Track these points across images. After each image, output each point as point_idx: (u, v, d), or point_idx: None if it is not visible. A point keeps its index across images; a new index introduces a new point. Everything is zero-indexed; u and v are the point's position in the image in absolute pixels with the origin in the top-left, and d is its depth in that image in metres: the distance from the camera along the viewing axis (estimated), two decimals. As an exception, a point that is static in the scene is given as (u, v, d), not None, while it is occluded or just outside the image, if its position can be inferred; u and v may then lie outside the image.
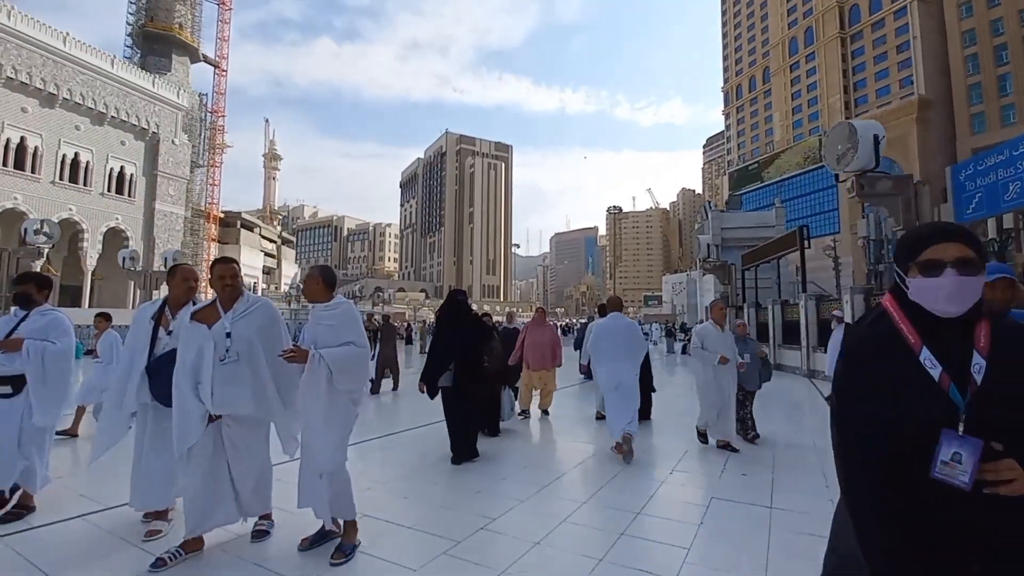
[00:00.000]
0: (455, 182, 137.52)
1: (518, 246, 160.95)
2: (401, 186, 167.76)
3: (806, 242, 12.48)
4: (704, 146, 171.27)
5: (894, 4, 60.22)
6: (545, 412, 7.59)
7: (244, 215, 71.02)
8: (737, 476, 4.44)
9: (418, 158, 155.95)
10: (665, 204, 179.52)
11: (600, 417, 6.87)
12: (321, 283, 3.16)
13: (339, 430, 3.05)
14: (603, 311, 5.93)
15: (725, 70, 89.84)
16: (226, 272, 3.01)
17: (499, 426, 6.36)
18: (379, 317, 12.17)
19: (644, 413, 6.62)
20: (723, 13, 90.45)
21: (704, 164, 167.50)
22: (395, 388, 10.27)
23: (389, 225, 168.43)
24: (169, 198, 51.29)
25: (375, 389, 9.80)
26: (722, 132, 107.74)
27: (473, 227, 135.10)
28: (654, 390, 7.29)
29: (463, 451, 5.03)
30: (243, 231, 67.36)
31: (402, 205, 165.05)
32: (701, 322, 8.79)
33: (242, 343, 2.92)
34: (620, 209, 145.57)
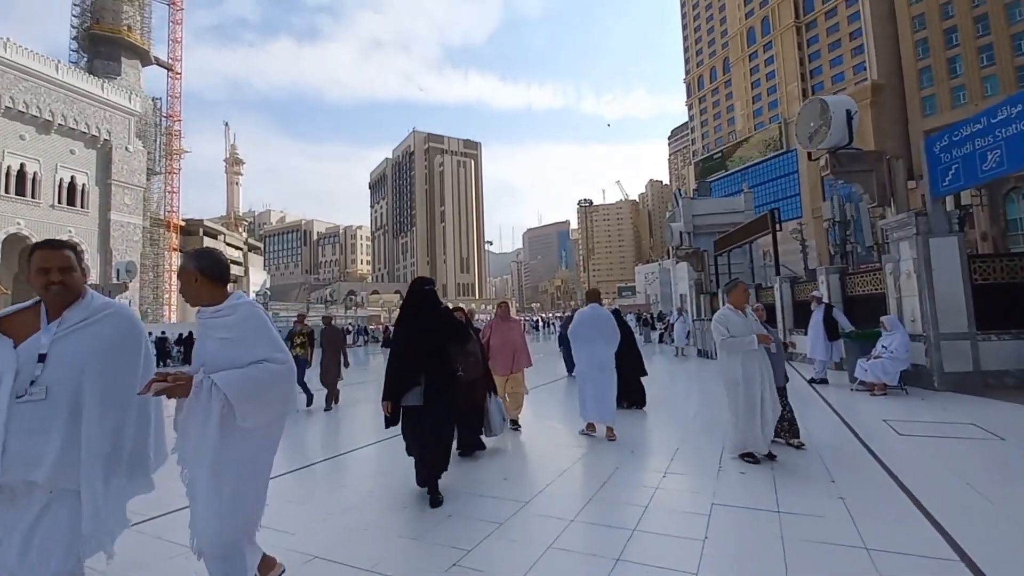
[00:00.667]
0: (425, 181, 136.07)
1: (491, 243, 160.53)
2: (370, 187, 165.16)
3: (777, 225, 12.45)
4: (669, 137, 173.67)
5: (845, -8, 61.97)
6: (515, 424, 6.35)
7: (207, 222, 68.59)
8: (735, 475, 4.17)
9: (386, 158, 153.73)
10: (634, 196, 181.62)
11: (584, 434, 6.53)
12: (200, 278, 2.23)
13: (238, 490, 2.12)
14: (593, 296, 6.32)
15: (686, 61, 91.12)
16: (51, 262, 1.90)
17: (482, 443, 5.32)
18: (322, 320, 9.92)
19: (639, 401, 7.14)
20: (682, 4, 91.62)
21: (670, 155, 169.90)
22: (328, 408, 8.35)
23: (360, 227, 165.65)
24: (125, 208, 49.10)
25: (309, 401, 8.47)
26: (686, 123, 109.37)
27: (445, 226, 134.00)
28: (645, 374, 7.41)
29: (426, 477, 3.89)
30: (206, 239, 65.06)
31: (372, 206, 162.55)
32: (713, 311, 8.77)
33: (62, 371, 1.84)
34: (591, 202, 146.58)
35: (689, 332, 16.49)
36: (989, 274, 7.15)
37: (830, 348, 8.06)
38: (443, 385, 3.92)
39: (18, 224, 40.18)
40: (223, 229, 74.19)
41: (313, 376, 8.62)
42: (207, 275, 2.23)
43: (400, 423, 3.97)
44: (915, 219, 7.02)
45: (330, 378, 8.42)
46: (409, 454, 4.04)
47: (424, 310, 4.07)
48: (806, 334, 11.02)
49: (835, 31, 64.50)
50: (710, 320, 14.47)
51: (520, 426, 6.38)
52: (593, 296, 6.31)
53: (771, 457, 4.53)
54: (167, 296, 54.48)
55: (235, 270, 72.97)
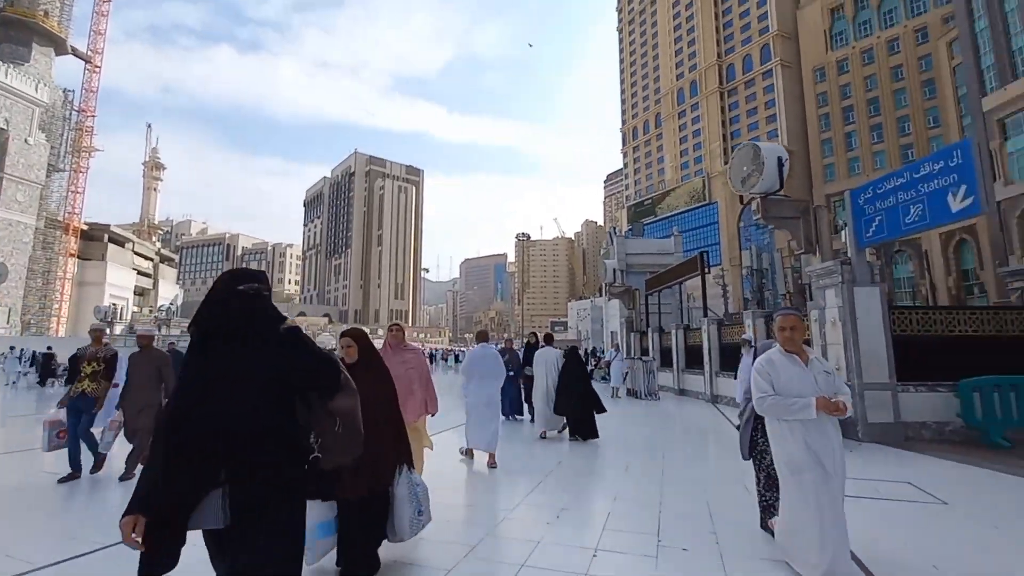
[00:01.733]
0: (364, 203, 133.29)
1: (427, 270, 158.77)
2: (305, 205, 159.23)
3: (706, 268, 13.16)
4: (605, 181, 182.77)
5: (763, 66, 69.20)
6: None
7: (115, 228, 62.69)
8: (677, 552, 3.43)
9: (324, 177, 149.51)
10: (570, 234, 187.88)
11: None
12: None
13: None
14: (481, 337, 7.01)
15: (623, 112, 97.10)
16: None
17: (376, 560, 3.10)
18: (137, 339, 5.99)
19: (592, 434, 7.48)
20: (621, 62, 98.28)
21: (605, 198, 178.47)
22: (127, 475, 5.40)
23: (291, 246, 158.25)
24: (16, 205, 44.05)
25: (98, 464, 5.60)
26: (621, 169, 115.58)
27: (382, 250, 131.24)
28: (603, 410, 7.74)
29: None
30: (111, 246, 59.35)
31: (306, 225, 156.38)
32: (760, 349, 7.58)
33: None
34: (528, 236, 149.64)
35: (627, 372, 15.41)
36: (907, 326, 7.36)
37: None
38: (268, 486, 1.79)
39: None
40: (132, 237, 68.13)
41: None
42: None
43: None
44: (840, 267, 7.19)
45: (138, 427, 5.45)
46: None
47: (238, 331, 1.91)
48: (734, 377, 11.71)
49: (753, 100, 71.52)
50: (640, 359, 14.99)
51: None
52: (481, 337, 6.94)
53: None
54: (57, 307, 48.79)
55: (142, 282, 66.85)
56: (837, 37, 61.99)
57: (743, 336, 7.95)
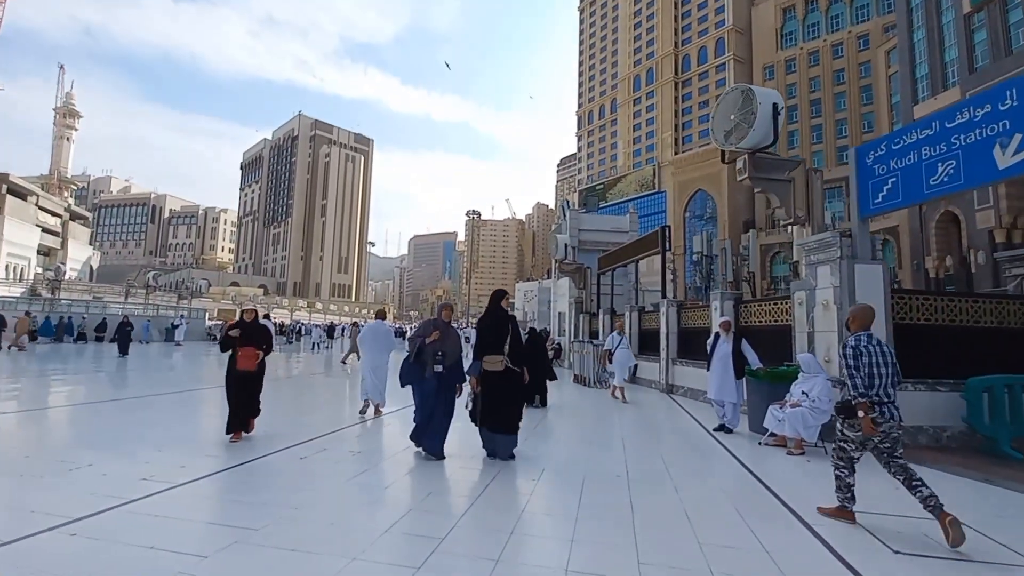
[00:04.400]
0: (307, 170, 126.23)
1: (373, 244, 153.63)
2: (242, 168, 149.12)
3: (667, 244, 12.46)
4: (558, 165, 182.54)
5: (717, 59, 70.34)
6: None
7: (15, 178, 55.52)
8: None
9: (265, 139, 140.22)
10: (522, 216, 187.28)
11: (372, 406, 7.93)
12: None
13: None
14: (380, 315, 8.82)
15: (580, 96, 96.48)
16: None
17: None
18: None
19: (543, 401, 8.71)
20: (580, 43, 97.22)
21: (557, 182, 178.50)
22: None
23: (225, 211, 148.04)
24: None
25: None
26: (575, 153, 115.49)
27: (325, 220, 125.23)
28: (554, 378, 8.90)
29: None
30: (10, 198, 52.65)
31: (242, 189, 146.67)
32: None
33: None
34: (479, 214, 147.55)
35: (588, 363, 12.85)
36: (906, 313, 6.47)
37: (741, 389, 6.80)
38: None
39: None
40: (37, 190, 60.85)
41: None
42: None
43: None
44: (839, 240, 6.14)
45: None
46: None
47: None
48: (688, 365, 10.92)
49: (705, 92, 72.71)
50: (591, 343, 14.07)
51: None
52: (380, 315, 8.74)
53: None
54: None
55: (49, 240, 60.08)
56: (787, 36, 63.70)
57: (721, 318, 7.05)
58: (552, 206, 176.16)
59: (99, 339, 24.82)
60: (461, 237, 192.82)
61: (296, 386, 12.15)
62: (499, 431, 5.10)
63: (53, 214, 62.56)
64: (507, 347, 5.08)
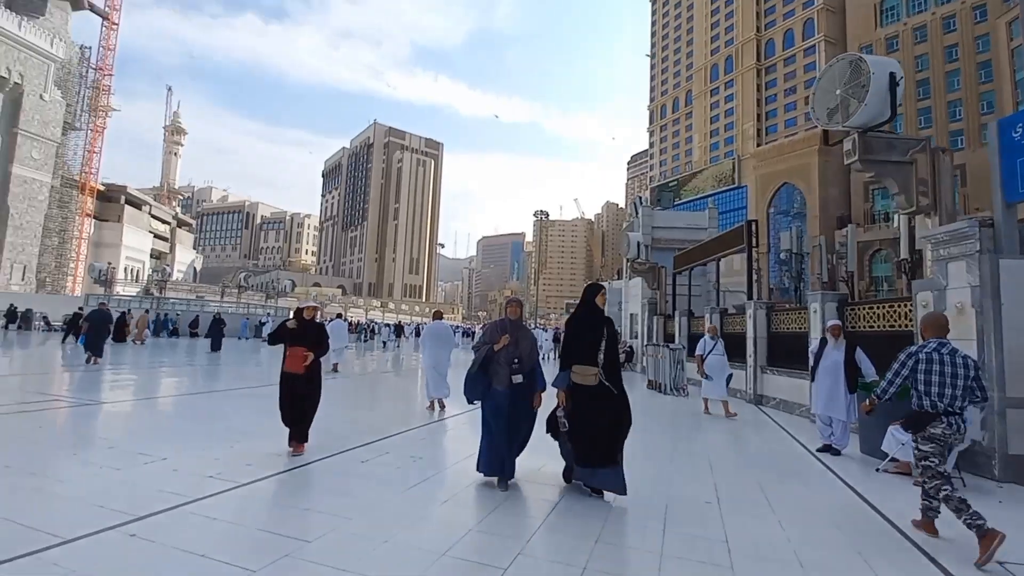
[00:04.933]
0: (381, 176, 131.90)
1: (443, 246, 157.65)
2: (324, 176, 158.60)
3: (754, 240, 11.29)
4: (629, 162, 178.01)
5: (805, 42, 65.19)
6: None
7: (133, 191, 62.41)
8: None
9: (343, 147, 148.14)
10: (590, 215, 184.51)
11: (437, 402, 8.12)
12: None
13: None
14: (437, 315, 8.90)
15: (652, 90, 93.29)
16: None
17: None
18: None
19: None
20: (652, 35, 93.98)
21: (628, 179, 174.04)
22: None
23: (308, 216, 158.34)
24: (32, 162, 43.62)
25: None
26: (646, 150, 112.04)
27: (398, 224, 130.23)
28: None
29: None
30: (128, 208, 59.15)
31: (323, 196, 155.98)
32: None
33: None
34: (547, 214, 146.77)
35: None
36: None
37: (853, 404, 5.76)
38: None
39: None
40: (150, 200, 67.91)
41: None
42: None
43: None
44: (978, 231, 5.13)
45: None
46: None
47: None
48: (780, 374, 9.77)
49: (792, 77, 67.67)
50: (667, 347, 13.10)
51: None
52: (437, 315, 8.89)
53: None
54: (73, 265, 48.72)
55: (159, 246, 66.79)
56: (887, 12, 57.89)
57: (830, 323, 5.93)
58: (622, 205, 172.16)
59: (193, 335, 27.05)
60: (529, 238, 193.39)
61: (364, 384, 12.35)
62: (596, 463, 4.00)
63: (163, 222, 69.64)
64: (601, 356, 4.02)
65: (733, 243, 12.12)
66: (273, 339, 5.30)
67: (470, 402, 4.53)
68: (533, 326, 57.19)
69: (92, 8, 53.68)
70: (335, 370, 14.03)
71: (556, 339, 23.41)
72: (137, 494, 3.74)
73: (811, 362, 6.16)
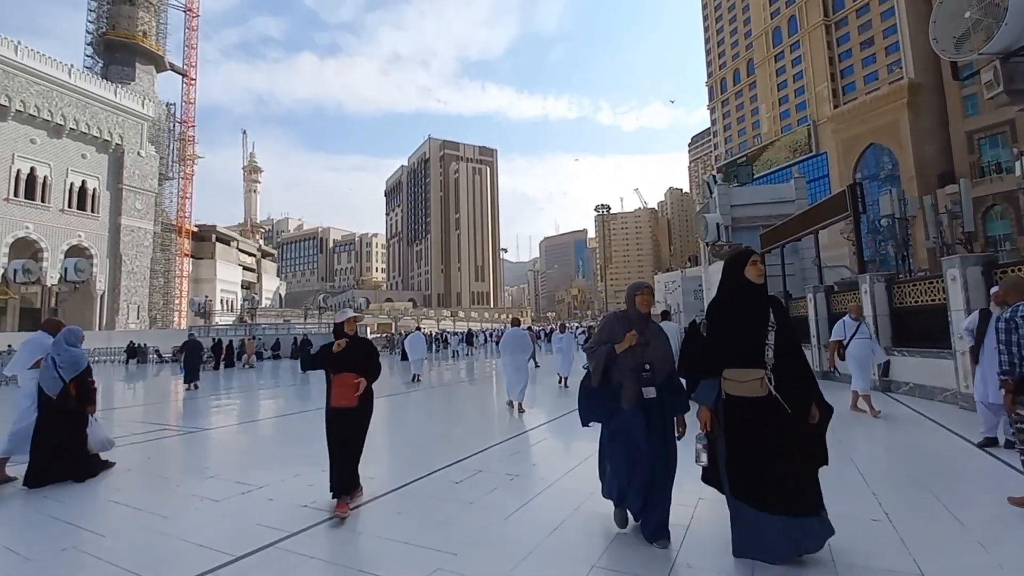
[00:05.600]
0: (440, 188, 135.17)
1: (506, 251, 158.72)
2: (386, 195, 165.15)
3: (860, 205, 9.86)
4: (689, 145, 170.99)
5: (879, -12, 59.27)
6: None
7: (221, 229, 67.98)
8: None
9: (402, 166, 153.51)
10: (653, 204, 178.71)
11: (515, 405, 8.41)
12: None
13: None
14: (514, 323, 9.62)
15: (708, 64, 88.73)
16: None
17: None
18: None
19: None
20: (704, 7, 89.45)
21: (690, 163, 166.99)
22: None
23: (375, 235, 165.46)
24: (136, 212, 48.46)
25: None
26: (708, 129, 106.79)
27: (460, 233, 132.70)
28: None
29: None
30: (219, 245, 64.40)
31: (387, 214, 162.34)
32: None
33: None
34: (608, 208, 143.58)
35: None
36: None
37: None
38: None
39: (27, 228, 39.51)
40: (236, 235, 73.63)
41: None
42: None
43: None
44: None
45: None
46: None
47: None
48: (911, 355, 8.33)
49: (867, 29, 61.68)
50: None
51: None
52: (515, 322, 9.62)
53: None
54: (177, 302, 53.60)
55: (248, 276, 72.13)
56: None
57: (993, 290, 4.82)
58: (687, 190, 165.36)
59: (276, 357, 28.77)
60: (591, 234, 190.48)
61: (444, 395, 12.22)
62: (776, 509, 2.66)
63: (249, 254, 75.24)
64: (770, 354, 2.72)
65: (834, 211, 10.74)
66: (311, 363, 4.22)
67: (585, 424, 3.36)
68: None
69: (173, 68, 58.98)
70: (416, 380, 14.22)
71: None
72: (236, 528, 3.62)
73: (967, 340, 5.09)
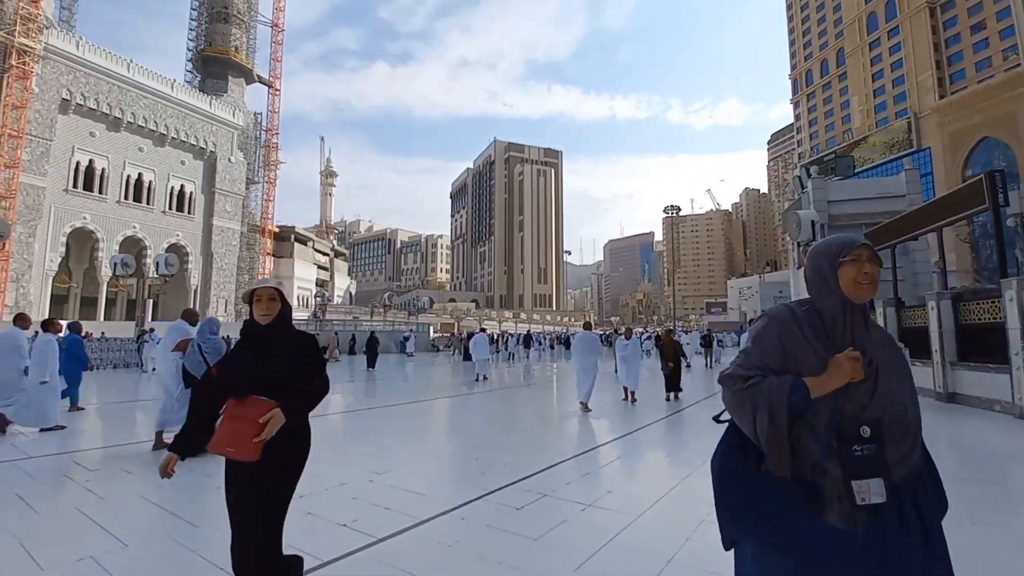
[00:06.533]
0: (504, 190, 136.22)
1: (569, 253, 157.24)
2: (451, 197, 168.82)
3: (999, 196, 8.39)
4: (769, 142, 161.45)
5: (996, -37, 53.04)
6: None
7: (299, 230, 72.09)
8: None
9: (467, 168, 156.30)
10: (727, 205, 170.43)
11: (582, 404, 8.95)
12: None
13: None
14: (586, 327, 10.53)
15: (792, 56, 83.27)
16: None
17: None
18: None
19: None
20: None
21: (769, 161, 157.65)
22: None
23: (441, 236, 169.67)
24: (226, 214, 52.24)
25: None
26: (790, 125, 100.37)
27: (523, 235, 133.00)
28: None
29: None
30: (297, 245, 68.27)
31: (452, 216, 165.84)
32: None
33: None
34: (678, 209, 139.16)
35: None
36: None
37: None
38: None
39: (134, 228, 43.69)
40: (312, 236, 77.77)
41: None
42: None
43: None
44: None
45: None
46: None
47: None
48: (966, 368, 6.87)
49: (978, 11, 55.38)
50: None
51: None
52: (587, 326, 10.42)
53: None
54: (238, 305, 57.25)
55: (322, 275, 75.98)
56: None
57: None
58: (764, 190, 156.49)
59: (352, 352, 29.80)
60: (659, 237, 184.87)
61: (505, 399, 11.63)
62: None
63: (323, 254, 79.30)
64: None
65: (965, 204, 9.28)
66: (193, 385, 3.15)
67: (728, 546, 1.47)
68: (677, 331, 47.89)
69: (260, 80, 63.21)
70: (482, 379, 14.28)
71: (707, 342, 20.93)
72: (322, 529, 3.44)
73: None
